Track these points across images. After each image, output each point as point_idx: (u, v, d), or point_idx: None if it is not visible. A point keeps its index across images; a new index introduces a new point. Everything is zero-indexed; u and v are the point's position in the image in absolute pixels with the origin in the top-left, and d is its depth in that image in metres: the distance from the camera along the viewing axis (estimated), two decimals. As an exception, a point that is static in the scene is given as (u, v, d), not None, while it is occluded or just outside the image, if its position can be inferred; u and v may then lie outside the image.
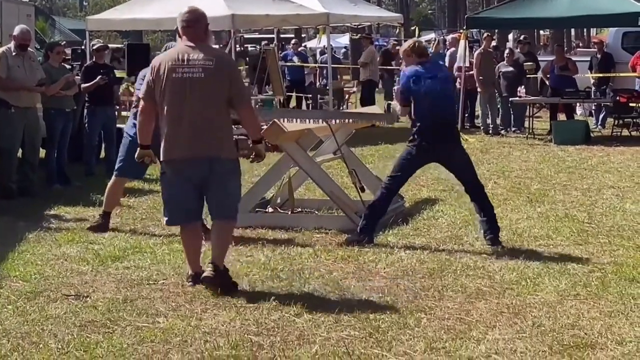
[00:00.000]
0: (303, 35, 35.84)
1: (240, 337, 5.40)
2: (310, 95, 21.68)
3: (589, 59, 19.51)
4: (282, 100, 18.42)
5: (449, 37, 20.77)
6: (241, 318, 5.79)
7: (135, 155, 6.73)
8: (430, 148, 7.95)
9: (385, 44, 29.17)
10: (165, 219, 6.62)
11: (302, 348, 5.23)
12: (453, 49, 20.14)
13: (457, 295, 6.36)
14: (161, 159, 6.42)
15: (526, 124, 18.06)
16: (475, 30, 20.74)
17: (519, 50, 18.79)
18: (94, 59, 12.67)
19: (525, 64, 17.93)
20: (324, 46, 27.79)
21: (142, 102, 6.46)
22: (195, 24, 6.42)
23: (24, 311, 5.93)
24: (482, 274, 6.96)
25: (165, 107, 6.29)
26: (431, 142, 7.92)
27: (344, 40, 37.52)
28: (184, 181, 6.36)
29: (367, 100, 19.45)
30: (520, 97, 17.92)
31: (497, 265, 7.18)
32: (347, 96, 22.73)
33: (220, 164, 6.33)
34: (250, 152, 6.59)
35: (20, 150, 10.93)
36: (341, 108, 21.16)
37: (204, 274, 6.33)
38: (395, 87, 9.21)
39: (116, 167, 8.77)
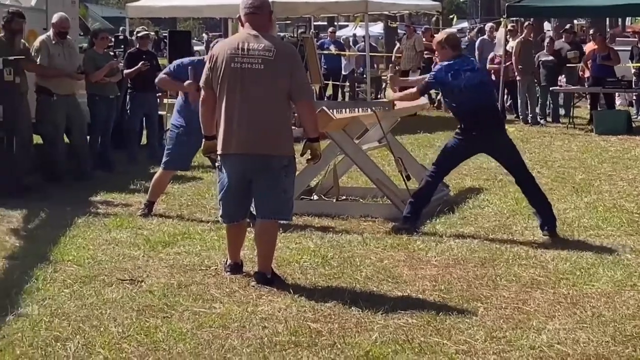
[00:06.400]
0: (335, 24, 35.71)
1: (298, 324, 5.39)
2: (348, 84, 21.60)
3: (629, 48, 19.30)
4: (319, 89, 18.39)
5: (487, 26, 20.57)
6: (297, 305, 5.78)
7: (202, 149, 6.49)
8: (477, 139, 7.93)
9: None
10: (222, 218, 6.45)
11: (361, 335, 5.21)
12: (484, 37, 20.02)
13: (511, 284, 6.33)
14: (217, 152, 6.21)
15: (561, 112, 17.98)
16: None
17: (563, 39, 18.63)
18: (137, 46, 12.73)
19: (568, 52, 17.80)
20: (354, 34, 27.68)
21: (202, 92, 6.24)
22: (259, 11, 6.13)
23: (81, 295, 5.96)
24: (534, 263, 6.92)
25: (223, 99, 6.07)
26: (477, 132, 7.89)
27: (376, 29, 37.39)
28: (239, 178, 6.16)
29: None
30: (560, 86, 17.77)
31: (549, 255, 7.14)
32: (384, 85, 22.60)
33: (276, 160, 6.09)
34: (305, 150, 6.30)
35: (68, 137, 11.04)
36: (379, 97, 21.10)
37: (254, 283, 6.24)
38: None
39: (163, 160, 8.76)
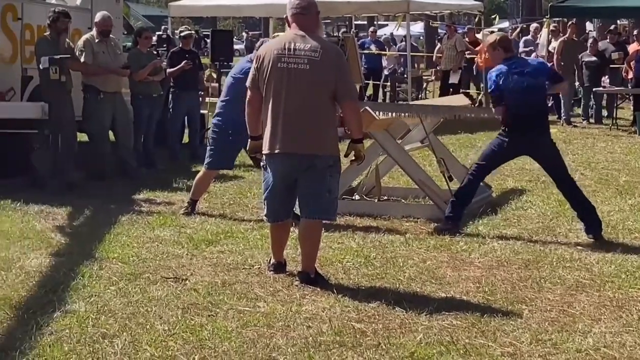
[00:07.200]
0: (375, 23, 35.66)
1: (342, 324, 5.40)
2: (389, 84, 21.55)
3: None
4: (360, 88, 18.35)
5: (532, 26, 20.45)
6: (340, 305, 5.78)
7: (247, 149, 6.51)
8: (520, 140, 7.90)
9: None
10: (266, 217, 6.47)
11: (405, 336, 5.21)
12: (528, 37, 19.89)
13: (556, 287, 6.29)
14: (263, 152, 6.22)
15: (604, 113, 17.82)
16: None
17: (608, 40, 18.47)
18: (180, 45, 12.81)
19: (612, 53, 17.64)
20: (392, 34, 27.56)
21: (248, 92, 6.25)
22: (306, 11, 6.18)
23: (126, 292, 6.00)
24: (579, 266, 6.87)
25: (269, 99, 6.09)
26: (521, 135, 7.85)
27: (416, 28, 37.28)
28: (284, 177, 6.18)
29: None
30: (604, 87, 17.62)
31: (594, 258, 7.09)
32: (425, 84, 22.58)
33: (321, 160, 6.10)
34: (349, 151, 6.32)
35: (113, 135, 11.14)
36: (419, 97, 21.05)
37: (297, 282, 6.27)
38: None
39: (206, 160, 8.78)
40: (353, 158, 6.39)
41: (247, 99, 6.29)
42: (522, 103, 7.80)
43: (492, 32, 16.78)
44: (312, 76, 6.04)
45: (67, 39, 10.54)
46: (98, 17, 10.92)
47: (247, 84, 6.29)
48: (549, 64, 15.35)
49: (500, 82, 7.85)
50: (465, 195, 8.23)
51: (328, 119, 6.16)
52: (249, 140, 6.39)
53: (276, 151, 6.13)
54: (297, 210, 6.49)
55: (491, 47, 8.11)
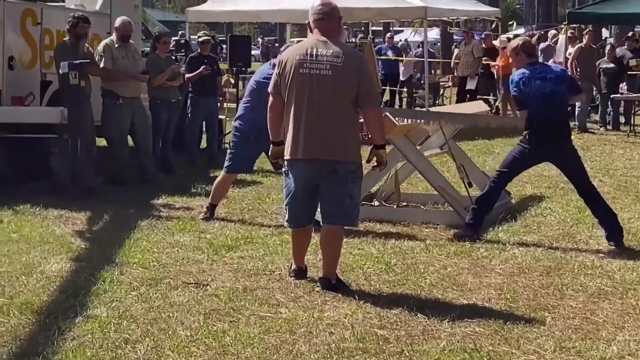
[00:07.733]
0: (391, 29, 35.63)
1: (365, 330, 5.38)
2: (405, 90, 21.50)
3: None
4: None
5: (550, 33, 20.39)
6: (363, 311, 5.76)
7: (269, 154, 6.50)
8: (542, 147, 7.87)
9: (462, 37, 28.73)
10: (288, 223, 6.43)
11: (428, 343, 5.18)
12: (546, 43, 19.82)
13: (578, 294, 6.25)
14: (284, 157, 6.20)
15: (621, 120, 17.73)
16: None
17: (625, 46, 18.39)
18: (198, 50, 12.83)
19: (630, 59, 17.57)
20: (406, 39, 27.54)
21: (270, 98, 6.25)
22: (329, 17, 6.18)
23: (147, 298, 5.99)
24: (601, 273, 6.84)
25: (291, 104, 6.08)
26: (543, 142, 7.83)
27: (432, 34, 37.23)
28: (306, 183, 6.16)
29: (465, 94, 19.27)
30: (621, 94, 17.55)
31: (616, 265, 7.05)
32: (442, 91, 22.53)
33: (343, 165, 6.08)
34: (372, 156, 6.30)
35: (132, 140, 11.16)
36: (436, 103, 21.02)
37: (319, 288, 6.25)
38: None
39: (226, 164, 8.79)
40: (375, 164, 6.37)
41: (269, 105, 6.28)
42: (543, 109, 7.77)
43: (509, 38, 16.78)
44: (334, 82, 6.03)
45: (86, 44, 10.57)
46: (118, 22, 10.95)
47: (269, 89, 6.28)
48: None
49: (522, 86, 7.82)
50: (487, 203, 8.20)
51: (350, 125, 6.14)
52: (271, 145, 6.38)
53: (298, 157, 6.11)
54: (317, 216, 6.47)
55: (514, 52, 8.09)
